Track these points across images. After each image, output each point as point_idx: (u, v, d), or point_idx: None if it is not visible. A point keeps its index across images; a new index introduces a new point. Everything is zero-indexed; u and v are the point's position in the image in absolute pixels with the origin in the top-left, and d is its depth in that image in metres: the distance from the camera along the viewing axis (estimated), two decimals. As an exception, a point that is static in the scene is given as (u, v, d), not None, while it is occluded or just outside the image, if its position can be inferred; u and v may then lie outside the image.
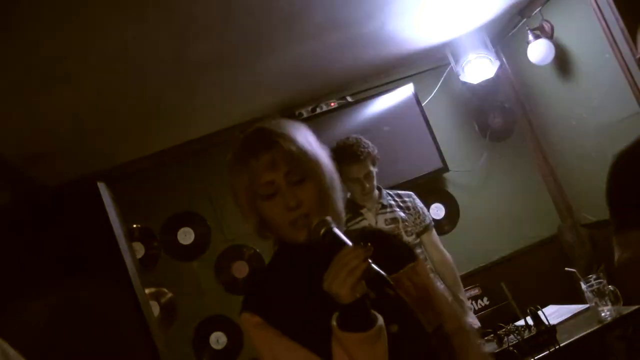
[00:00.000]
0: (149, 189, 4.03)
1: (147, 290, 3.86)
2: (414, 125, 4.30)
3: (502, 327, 2.84)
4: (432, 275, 1.53)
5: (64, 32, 2.26)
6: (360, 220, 3.14)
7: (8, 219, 2.39)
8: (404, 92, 4.36)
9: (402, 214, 3.22)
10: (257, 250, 4.08)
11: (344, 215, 1.45)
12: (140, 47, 2.62)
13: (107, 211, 2.39)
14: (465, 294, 3.38)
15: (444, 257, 3.35)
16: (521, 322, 2.86)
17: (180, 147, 4.07)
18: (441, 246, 3.36)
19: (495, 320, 3.10)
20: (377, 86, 4.38)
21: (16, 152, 3.09)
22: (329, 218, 1.28)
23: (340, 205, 1.42)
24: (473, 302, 3.81)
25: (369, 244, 1.19)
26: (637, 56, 1.65)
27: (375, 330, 1.18)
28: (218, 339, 3.95)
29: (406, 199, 3.32)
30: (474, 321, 3.23)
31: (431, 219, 3.39)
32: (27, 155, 3.20)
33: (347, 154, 3.05)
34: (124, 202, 3.38)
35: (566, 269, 3.00)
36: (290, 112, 4.12)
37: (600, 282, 2.63)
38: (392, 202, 3.26)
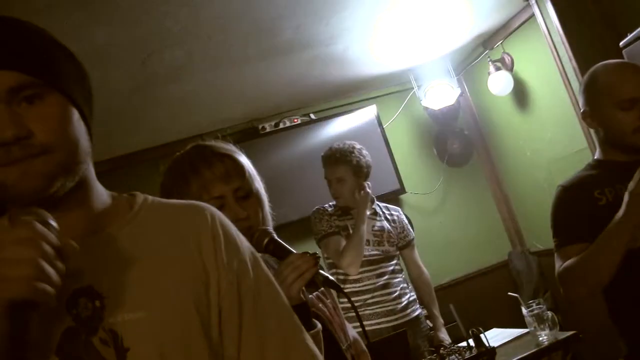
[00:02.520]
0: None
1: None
2: (375, 146, 4.38)
3: (445, 348, 2.92)
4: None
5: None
6: (349, 219, 3.18)
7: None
8: (367, 113, 4.47)
9: (388, 226, 3.28)
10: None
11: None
12: (107, 51, 2.66)
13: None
14: (439, 311, 3.41)
15: (422, 274, 3.41)
16: (464, 344, 2.94)
17: (142, 152, 4.08)
18: (420, 263, 3.42)
19: (436, 343, 3.20)
20: (341, 105, 4.48)
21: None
22: (269, 228, 1.37)
23: (271, 225, 1.47)
24: (421, 322, 3.89)
25: (315, 253, 1.28)
26: (581, 110, 1.93)
27: (314, 333, 1.25)
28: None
29: (393, 213, 3.39)
30: (445, 337, 3.28)
31: (413, 235, 3.45)
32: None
33: (325, 157, 3.18)
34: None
35: (509, 293, 3.10)
36: (254, 125, 4.19)
37: (540, 308, 2.74)
38: (381, 212, 3.33)
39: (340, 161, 3.12)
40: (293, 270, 1.25)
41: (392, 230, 3.30)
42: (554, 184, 3.88)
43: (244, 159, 1.44)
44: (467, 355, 2.79)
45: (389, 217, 3.36)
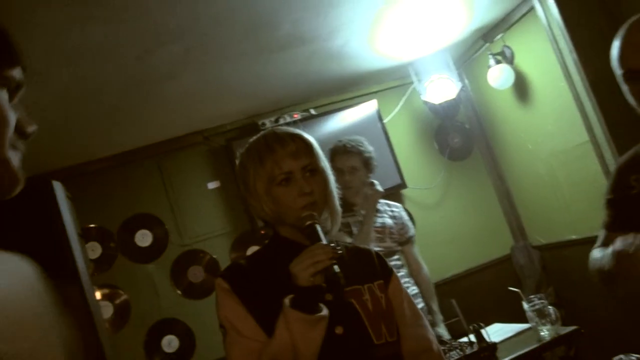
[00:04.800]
0: (108, 190, 4.02)
1: (100, 291, 3.86)
2: (375, 141, 4.33)
3: (447, 343, 2.91)
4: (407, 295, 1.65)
5: (27, 28, 2.27)
6: (351, 215, 3.19)
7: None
8: (367, 107, 4.45)
9: (390, 222, 3.30)
10: (214, 256, 4.10)
11: (340, 214, 1.66)
12: (106, 49, 2.64)
13: (60, 209, 2.39)
14: (438, 306, 3.43)
15: (421, 270, 3.43)
16: (465, 339, 2.93)
17: (143, 149, 4.07)
18: (419, 259, 3.45)
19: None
20: (341, 100, 4.46)
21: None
22: (316, 214, 1.51)
23: (337, 202, 1.64)
24: (423, 317, 3.89)
25: (339, 248, 1.40)
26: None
27: (317, 317, 1.37)
28: (170, 342, 3.95)
29: (394, 209, 3.40)
30: (444, 332, 3.29)
31: (414, 232, 3.47)
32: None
33: (336, 146, 3.22)
34: (82, 201, 3.39)
35: (509, 288, 3.09)
36: (254, 121, 4.17)
37: (542, 303, 2.72)
38: (383, 209, 3.34)
39: (353, 151, 3.18)
40: (310, 257, 1.36)
41: (393, 226, 3.31)
42: (555, 177, 3.89)
43: (312, 140, 1.61)
44: (468, 350, 2.78)
45: (390, 213, 3.37)
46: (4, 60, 0.84)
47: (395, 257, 3.30)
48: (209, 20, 2.71)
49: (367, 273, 1.62)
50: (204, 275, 4.08)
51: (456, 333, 3.33)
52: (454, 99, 4.41)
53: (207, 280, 4.05)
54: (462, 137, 4.72)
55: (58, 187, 2.52)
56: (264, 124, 4.09)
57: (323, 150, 3.16)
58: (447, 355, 2.78)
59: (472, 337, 2.83)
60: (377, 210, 3.29)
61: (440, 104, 4.40)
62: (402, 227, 3.36)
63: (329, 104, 4.44)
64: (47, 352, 0.83)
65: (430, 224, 4.55)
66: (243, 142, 4.30)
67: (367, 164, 3.23)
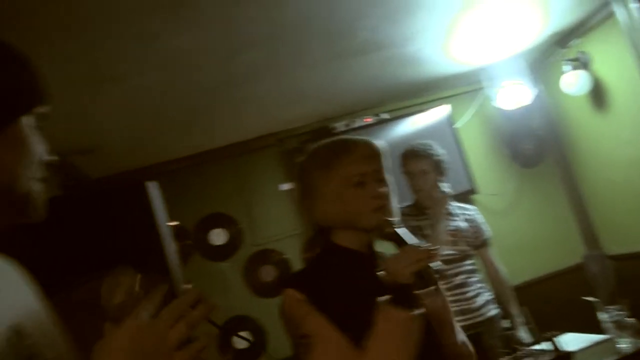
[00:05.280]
0: (186, 188, 4.17)
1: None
2: (447, 146, 4.33)
3: (520, 349, 2.90)
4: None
5: (120, 35, 2.41)
6: (423, 219, 3.22)
7: (56, 210, 2.51)
8: (439, 113, 4.46)
9: (464, 225, 3.31)
10: (286, 256, 4.20)
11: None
12: (192, 54, 2.77)
13: (154, 209, 2.52)
14: (517, 309, 3.39)
15: (498, 272, 3.43)
16: (538, 347, 2.91)
17: (219, 150, 4.21)
18: (495, 262, 3.44)
19: (514, 343, 3.17)
20: (413, 105, 4.49)
21: (65, 144, 3.26)
22: (394, 220, 1.53)
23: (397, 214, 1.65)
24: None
25: (435, 248, 1.44)
26: None
27: (418, 314, 1.38)
28: (241, 340, 4.06)
29: (469, 212, 3.41)
30: (525, 336, 3.22)
31: (490, 235, 3.45)
32: (73, 148, 3.37)
33: (408, 150, 3.26)
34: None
35: (584, 298, 3.04)
36: (326, 125, 4.25)
37: (621, 314, 2.68)
38: (457, 212, 3.35)
39: (424, 155, 3.21)
40: (411, 256, 1.39)
41: (468, 229, 3.31)
42: (633, 185, 3.80)
43: (384, 149, 1.64)
44: (542, 359, 2.77)
45: (464, 216, 3.37)
46: (34, 100, 0.93)
47: (469, 261, 3.29)
48: (290, 28, 2.79)
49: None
50: (275, 274, 4.18)
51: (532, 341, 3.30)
52: (527, 105, 4.37)
53: (278, 280, 4.15)
54: (534, 144, 4.67)
55: (153, 187, 2.65)
56: (335, 128, 4.16)
57: (393, 155, 3.22)
58: (521, 362, 2.78)
59: (546, 345, 2.82)
60: (450, 214, 3.30)
61: (513, 110, 4.37)
62: (477, 230, 3.36)
63: (400, 108, 4.47)
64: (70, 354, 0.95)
65: (499, 230, 4.48)
66: (315, 144, 4.37)
67: (437, 167, 3.24)
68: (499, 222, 4.52)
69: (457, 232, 3.26)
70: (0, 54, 0.90)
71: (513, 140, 4.65)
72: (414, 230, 3.11)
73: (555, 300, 4.25)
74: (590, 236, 4.54)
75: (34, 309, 0.95)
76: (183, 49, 2.68)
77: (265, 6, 2.52)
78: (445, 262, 3.08)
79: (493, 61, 4.17)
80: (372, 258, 1.59)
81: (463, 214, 3.38)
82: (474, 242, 3.33)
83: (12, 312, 0.88)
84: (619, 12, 3.40)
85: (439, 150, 3.29)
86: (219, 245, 4.18)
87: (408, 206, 3.26)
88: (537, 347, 2.95)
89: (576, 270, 4.52)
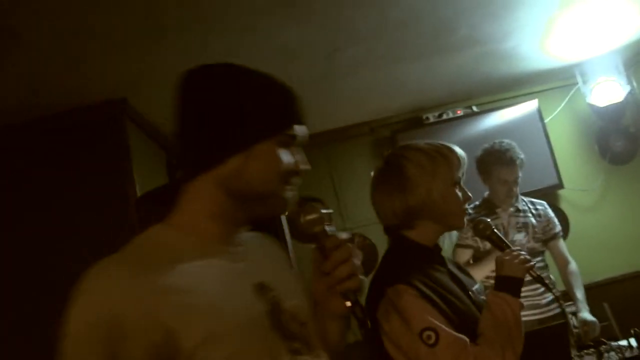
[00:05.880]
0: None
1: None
2: (535, 140, 4.42)
3: (604, 344, 2.96)
4: None
5: (230, 33, 2.62)
6: (495, 219, 3.27)
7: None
8: (528, 107, 4.50)
9: (533, 220, 3.33)
10: (372, 240, 4.36)
11: None
12: (297, 46, 2.95)
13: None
14: (584, 296, 3.38)
15: (568, 263, 3.44)
16: (623, 342, 2.97)
17: (312, 137, 4.37)
18: (567, 254, 3.45)
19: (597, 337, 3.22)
20: (503, 99, 4.55)
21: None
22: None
23: None
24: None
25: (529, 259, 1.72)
26: None
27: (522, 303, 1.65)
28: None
29: (538, 207, 3.42)
30: (588, 316, 3.27)
31: (560, 228, 3.46)
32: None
33: (503, 156, 3.20)
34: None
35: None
36: (418, 115, 4.38)
37: None
38: (526, 208, 3.38)
39: (518, 162, 3.20)
40: (523, 259, 1.68)
41: (537, 225, 3.32)
42: None
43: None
44: (628, 354, 2.82)
45: (534, 211, 3.38)
46: (290, 122, 1.16)
47: (539, 258, 3.30)
48: (394, 24, 2.93)
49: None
50: (361, 257, 4.33)
51: (607, 337, 3.34)
52: (620, 102, 4.36)
53: (365, 263, 4.30)
54: (625, 141, 4.63)
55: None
56: (427, 118, 4.28)
57: (478, 148, 3.27)
58: (606, 355, 2.85)
59: (632, 341, 2.87)
60: (518, 210, 3.32)
61: (605, 107, 4.37)
62: (547, 224, 3.37)
63: (490, 102, 4.54)
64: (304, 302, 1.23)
65: (585, 227, 4.53)
66: (407, 135, 4.51)
67: (522, 168, 3.26)
68: (584, 219, 4.55)
69: (526, 228, 3.29)
70: (270, 83, 1.16)
71: (603, 136, 4.64)
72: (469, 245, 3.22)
73: (637, 300, 4.25)
74: None
75: (277, 270, 1.24)
76: (289, 43, 2.87)
77: (375, 4, 2.67)
78: None
79: (588, 57, 4.18)
80: (439, 253, 1.77)
81: (533, 208, 3.39)
82: (543, 237, 3.34)
83: (262, 272, 1.17)
84: None
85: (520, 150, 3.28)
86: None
87: (477, 205, 3.33)
88: (622, 342, 3.01)
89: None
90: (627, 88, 4.29)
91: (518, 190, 3.28)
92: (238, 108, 1.12)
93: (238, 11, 2.48)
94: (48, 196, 3.06)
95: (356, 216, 4.35)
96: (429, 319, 1.51)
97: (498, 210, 3.31)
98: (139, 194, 3.04)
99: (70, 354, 0.98)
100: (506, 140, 3.29)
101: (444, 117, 4.31)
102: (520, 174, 3.24)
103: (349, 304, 1.14)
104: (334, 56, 3.12)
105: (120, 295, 0.98)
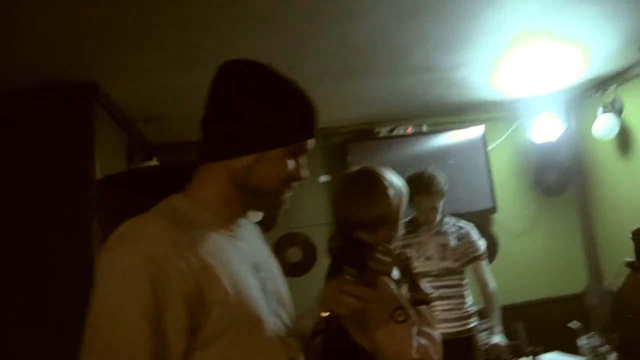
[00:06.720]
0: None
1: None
2: (476, 164, 4.71)
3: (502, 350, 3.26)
4: None
5: (207, 35, 2.81)
6: (415, 237, 3.53)
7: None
8: (474, 132, 4.79)
9: (453, 243, 3.53)
10: (311, 241, 4.59)
11: None
12: (266, 56, 3.03)
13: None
14: (499, 324, 3.57)
15: (486, 287, 3.62)
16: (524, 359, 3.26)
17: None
18: (486, 276, 3.62)
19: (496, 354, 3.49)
20: (452, 122, 4.84)
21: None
22: None
23: None
24: (488, 334, 4.18)
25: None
26: None
27: None
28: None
29: (463, 230, 3.60)
30: (500, 340, 3.47)
31: (483, 251, 3.64)
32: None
33: (423, 186, 3.37)
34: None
35: (569, 324, 3.36)
36: (370, 128, 4.63)
37: (597, 342, 3.02)
38: (449, 230, 3.57)
39: (438, 193, 3.38)
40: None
41: (457, 247, 3.51)
42: (643, 231, 4.04)
43: None
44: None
45: (457, 234, 3.57)
46: (304, 136, 1.30)
47: (455, 276, 3.51)
48: (352, 45, 3.10)
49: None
50: (301, 256, 4.57)
51: (519, 355, 3.62)
52: (557, 139, 4.68)
53: (305, 261, 4.54)
54: (559, 176, 4.97)
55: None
56: (379, 132, 4.52)
57: (424, 165, 3.48)
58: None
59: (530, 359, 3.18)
60: (439, 232, 3.53)
61: (543, 142, 4.68)
62: (469, 246, 3.55)
63: (440, 123, 4.83)
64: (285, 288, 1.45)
65: (513, 251, 4.85)
66: (358, 145, 4.73)
67: (442, 197, 3.43)
68: (513, 243, 4.87)
69: (445, 249, 3.49)
70: (296, 93, 1.29)
71: (539, 169, 4.97)
72: (408, 247, 3.45)
73: (553, 323, 4.56)
74: (594, 270, 4.85)
75: (265, 255, 1.43)
76: (259, 52, 3.05)
77: (336, 27, 2.88)
78: (431, 275, 3.40)
79: (532, 94, 4.48)
80: None
81: (457, 231, 3.58)
82: (464, 259, 3.53)
83: (255, 254, 1.34)
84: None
85: (443, 179, 3.44)
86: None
87: (405, 222, 3.48)
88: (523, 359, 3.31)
89: (577, 299, 4.83)
90: (565, 127, 4.61)
91: (438, 216, 3.48)
92: (265, 112, 1.23)
93: (216, 20, 2.65)
94: (8, 170, 3.07)
95: (302, 216, 4.56)
96: (399, 300, 1.81)
97: (421, 229, 3.53)
98: (99, 176, 3.09)
99: (116, 292, 1.08)
100: (431, 170, 3.45)
101: (395, 133, 4.56)
102: (439, 204, 3.42)
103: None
104: (297, 67, 3.32)
105: (164, 241, 1.12)
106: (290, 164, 1.28)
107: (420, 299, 1.97)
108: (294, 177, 1.30)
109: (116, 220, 1.20)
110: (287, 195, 1.32)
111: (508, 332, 4.23)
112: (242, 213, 1.35)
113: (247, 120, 1.24)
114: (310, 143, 1.31)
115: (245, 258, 1.28)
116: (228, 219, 1.30)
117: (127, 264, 1.09)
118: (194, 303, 1.11)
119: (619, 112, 4.32)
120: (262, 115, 1.24)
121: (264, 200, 1.31)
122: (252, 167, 1.24)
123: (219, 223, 1.27)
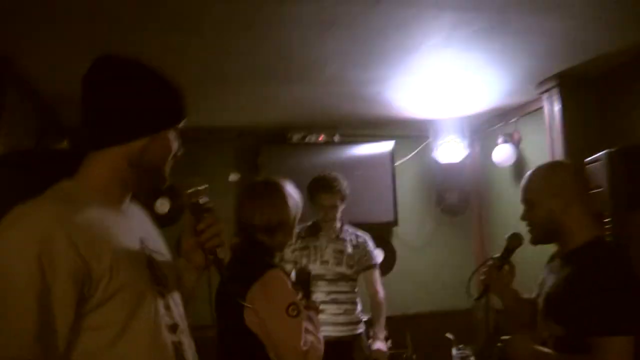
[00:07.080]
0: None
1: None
2: (383, 178, 4.90)
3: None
4: None
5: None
6: (314, 240, 3.67)
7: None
8: (384, 147, 4.98)
9: (349, 250, 3.68)
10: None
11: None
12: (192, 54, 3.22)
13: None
14: (383, 331, 3.72)
15: (376, 294, 3.79)
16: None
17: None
18: (377, 285, 3.80)
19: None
20: (363, 135, 5.02)
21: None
22: None
23: None
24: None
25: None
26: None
27: None
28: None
29: (360, 239, 3.77)
30: (381, 346, 3.63)
31: (376, 261, 3.83)
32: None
33: (325, 184, 3.58)
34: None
35: (446, 335, 3.59)
36: (283, 132, 4.76)
37: (464, 353, 3.28)
38: (347, 238, 3.72)
39: (337, 192, 3.57)
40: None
41: (353, 254, 3.67)
42: (524, 255, 4.37)
43: None
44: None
45: (354, 242, 3.73)
46: (181, 117, 1.50)
47: (348, 282, 3.67)
48: (269, 51, 3.21)
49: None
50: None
51: (395, 360, 3.84)
52: (460, 162, 4.96)
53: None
54: (458, 197, 5.26)
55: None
56: (291, 138, 4.64)
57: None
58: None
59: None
60: (337, 238, 3.70)
61: (447, 163, 4.95)
62: (364, 255, 3.72)
63: (352, 135, 5.00)
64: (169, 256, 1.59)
65: (410, 264, 5.08)
66: (271, 148, 4.83)
67: (342, 198, 3.63)
68: (411, 256, 5.11)
69: (341, 255, 3.64)
70: (159, 82, 1.45)
71: (441, 188, 5.24)
72: (307, 250, 3.61)
73: (438, 334, 4.81)
74: (483, 287, 5.12)
75: (150, 230, 1.59)
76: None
77: (256, 32, 2.97)
78: (325, 279, 3.57)
79: (440, 117, 4.74)
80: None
81: (354, 240, 3.74)
82: (358, 267, 3.69)
83: (141, 230, 1.51)
84: (546, 107, 3.99)
85: (344, 183, 3.64)
86: (161, 215, 4.60)
87: (307, 226, 3.68)
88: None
89: (466, 313, 5.09)
90: (468, 151, 4.89)
91: (337, 217, 3.65)
92: (154, 97, 1.44)
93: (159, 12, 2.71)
94: None
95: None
96: (295, 298, 2.10)
97: (321, 233, 3.68)
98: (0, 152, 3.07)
99: (8, 274, 1.19)
100: (335, 173, 3.66)
101: (307, 140, 4.69)
102: (338, 203, 3.59)
103: (211, 257, 1.52)
104: (213, 66, 3.42)
105: (53, 224, 1.24)
106: (174, 141, 1.48)
107: (310, 307, 2.29)
108: (176, 153, 1.50)
109: (4, 202, 1.30)
110: (168, 170, 1.50)
111: (397, 340, 4.46)
112: (131, 193, 1.50)
113: (139, 106, 1.43)
114: (183, 124, 1.51)
115: (134, 232, 1.45)
116: (117, 200, 1.47)
117: (17, 248, 1.21)
118: (81, 279, 1.25)
119: (517, 142, 4.63)
120: (151, 101, 1.44)
121: (154, 177, 1.48)
122: (147, 147, 1.42)
123: (107, 204, 1.42)
